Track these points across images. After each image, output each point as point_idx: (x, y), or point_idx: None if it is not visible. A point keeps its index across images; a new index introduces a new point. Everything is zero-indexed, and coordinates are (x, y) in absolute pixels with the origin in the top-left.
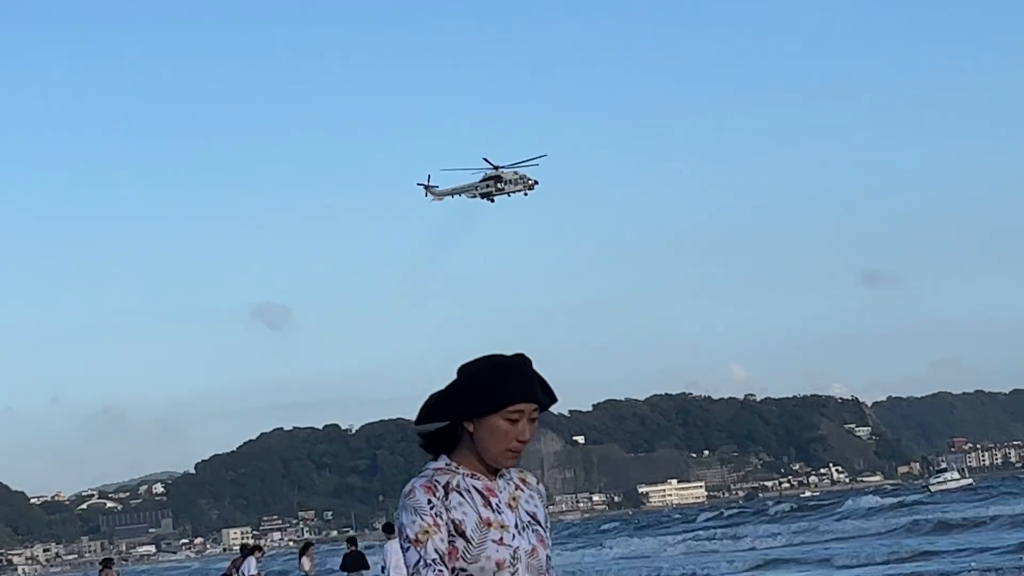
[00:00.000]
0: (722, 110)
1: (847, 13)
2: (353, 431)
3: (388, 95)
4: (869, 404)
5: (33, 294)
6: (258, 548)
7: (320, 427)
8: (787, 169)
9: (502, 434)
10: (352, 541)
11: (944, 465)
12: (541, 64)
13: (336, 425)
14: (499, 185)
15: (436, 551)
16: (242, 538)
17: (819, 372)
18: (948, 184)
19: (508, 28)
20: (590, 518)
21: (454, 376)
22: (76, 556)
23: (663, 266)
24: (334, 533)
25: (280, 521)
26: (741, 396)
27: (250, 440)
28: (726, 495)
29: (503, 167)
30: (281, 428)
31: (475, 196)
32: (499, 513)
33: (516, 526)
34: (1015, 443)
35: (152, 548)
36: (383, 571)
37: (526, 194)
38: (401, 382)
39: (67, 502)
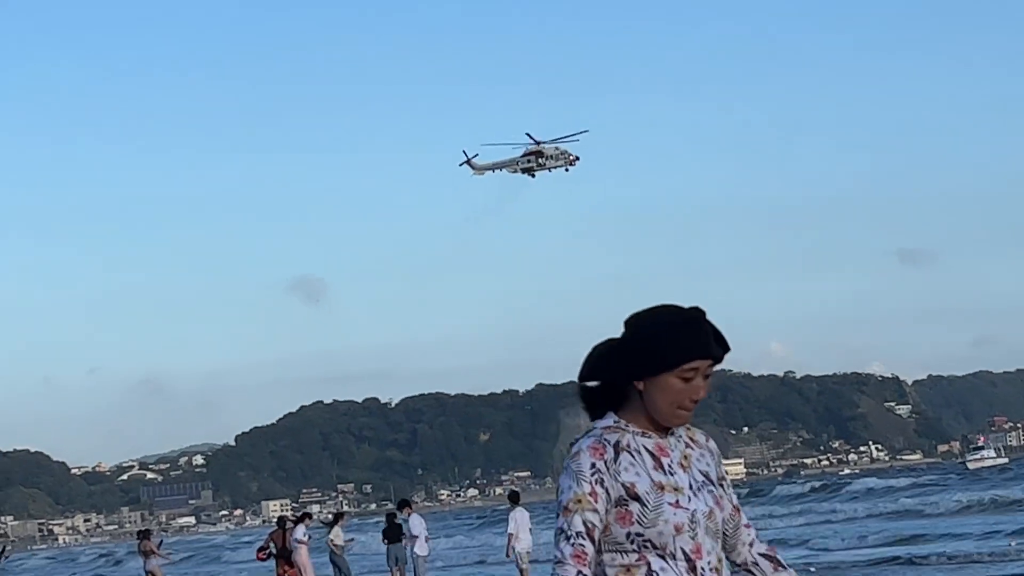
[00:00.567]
0: (759, 86)
1: None
2: (393, 405)
3: (429, 68)
4: (909, 382)
5: (71, 266)
6: (308, 516)
7: (360, 400)
8: (826, 147)
9: (675, 393)
10: (400, 507)
11: (982, 443)
12: (585, 39)
13: (376, 399)
14: (540, 160)
15: (584, 523)
16: (281, 510)
17: (858, 350)
18: (987, 162)
19: (552, 4)
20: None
21: (622, 332)
22: (116, 526)
23: (702, 242)
24: (372, 506)
25: (319, 494)
26: (781, 373)
27: (290, 413)
28: (765, 472)
29: (544, 142)
30: (321, 401)
31: (516, 171)
32: (672, 475)
33: (691, 487)
34: None
35: (192, 519)
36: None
37: (567, 169)
38: (441, 356)
39: (108, 473)
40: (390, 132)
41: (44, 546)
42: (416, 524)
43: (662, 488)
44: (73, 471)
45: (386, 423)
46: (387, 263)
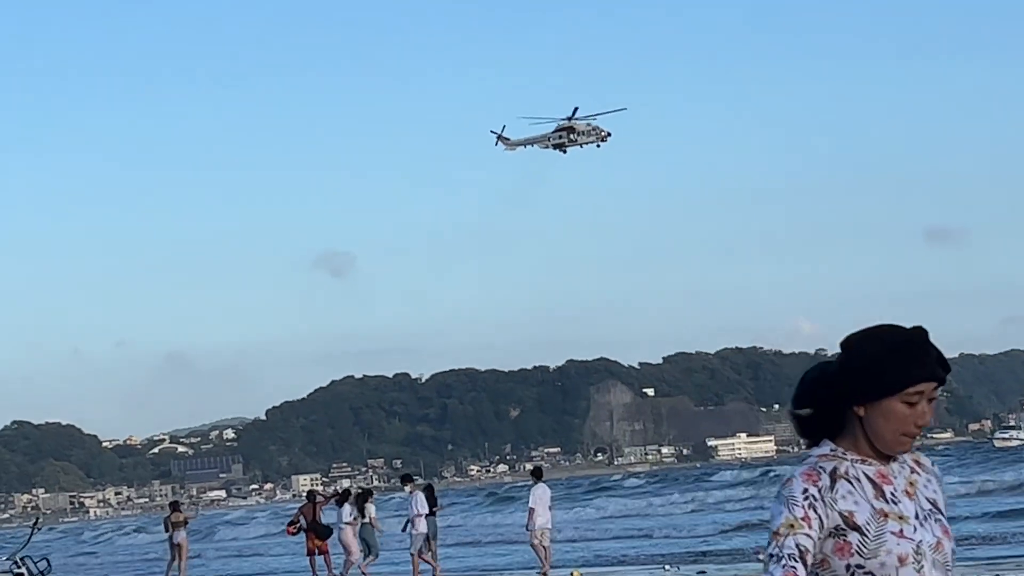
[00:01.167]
0: (787, 64)
1: None
2: (423, 380)
3: (464, 42)
4: None
5: (98, 239)
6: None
7: (391, 376)
8: (854, 124)
9: (900, 418)
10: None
11: (1013, 422)
12: (621, 16)
13: (407, 374)
14: (572, 136)
15: (797, 546)
16: (311, 485)
17: None
18: (1016, 138)
19: None
20: (658, 471)
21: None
22: (147, 500)
23: (730, 220)
24: None
25: (349, 469)
26: (812, 351)
27: (321, 387)
28: (796, 450)
29: (577, 118)
30: (352, 376)
31: (547, 147)
32: (895, 504)
33: (917, 516)
34: None
35: (222, 493)
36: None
37: (599, 146)
38: (472, 332)
39: (139, 446)
40: (421, 104)
41: (75, 519)
42: (419, 501)
43: (884, 516)
44: (104, 444)
45: (416, 398)
46: (418, 239)
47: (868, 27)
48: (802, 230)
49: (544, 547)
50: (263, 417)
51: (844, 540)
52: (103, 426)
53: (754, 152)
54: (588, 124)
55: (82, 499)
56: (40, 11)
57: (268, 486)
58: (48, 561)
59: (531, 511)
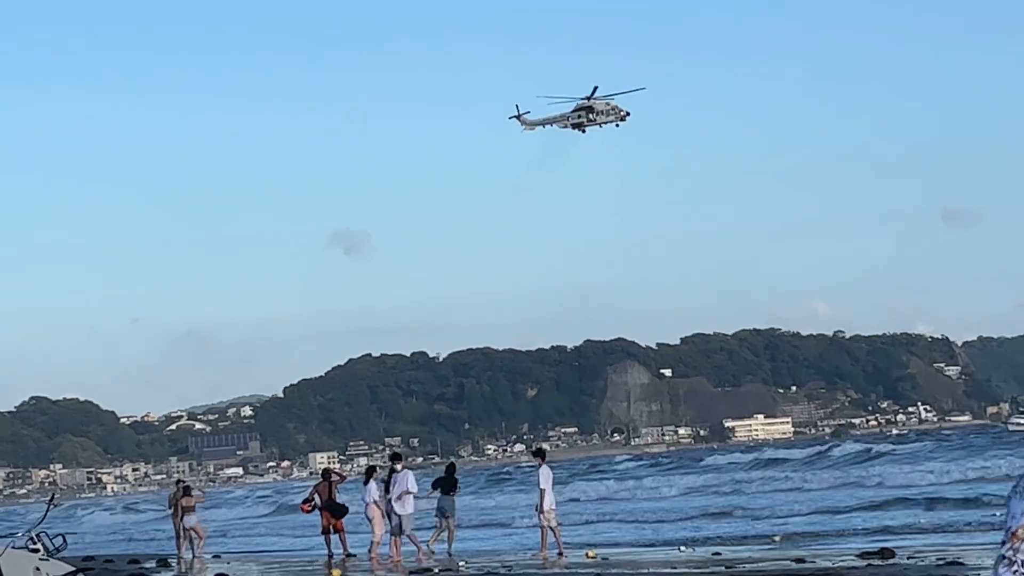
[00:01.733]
0: (808, 50)
1: None
2: (440, 359)
3: (481, 20)
4: (959, 343)
5: (113, 217)
6: (373, 470)
7: (408, 354)
8: (873, 107)
9: None
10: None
11: None
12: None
13: (424, 353)
14: (590, 115)
15: None
16: (328, 462)
17: (904, 310)
18: None
19: None
20: (675, 451)
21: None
22: (164, 476)
23: (748, 202)
24: (419, 460)
25: (366, 447)
26: (830, 333)
27: (338, 366)
28: (813, 432)
29: (596, 97)
30: (369, 354)
31: (566, 126)
32: None
33: None
34: None
35: (239, 470)
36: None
37: (617, 125)
38: (489, 311)
39: (156, 423)
40: (439, 84)
41: (92, 494)
42: (411, 481)
43: None
44: (122, 421)
45: (434, 377)
46: (436, 218)
47: (886, 11)
48: (819, 213)
49: (552, 528)
50: (280, 395)
51: None
52: (121, 402)
53: (773, 135)
54: (607, 103)
55: (100, 475)
56: None
57: (285, 463)
58: (64, 537)
59: (542, 492)
